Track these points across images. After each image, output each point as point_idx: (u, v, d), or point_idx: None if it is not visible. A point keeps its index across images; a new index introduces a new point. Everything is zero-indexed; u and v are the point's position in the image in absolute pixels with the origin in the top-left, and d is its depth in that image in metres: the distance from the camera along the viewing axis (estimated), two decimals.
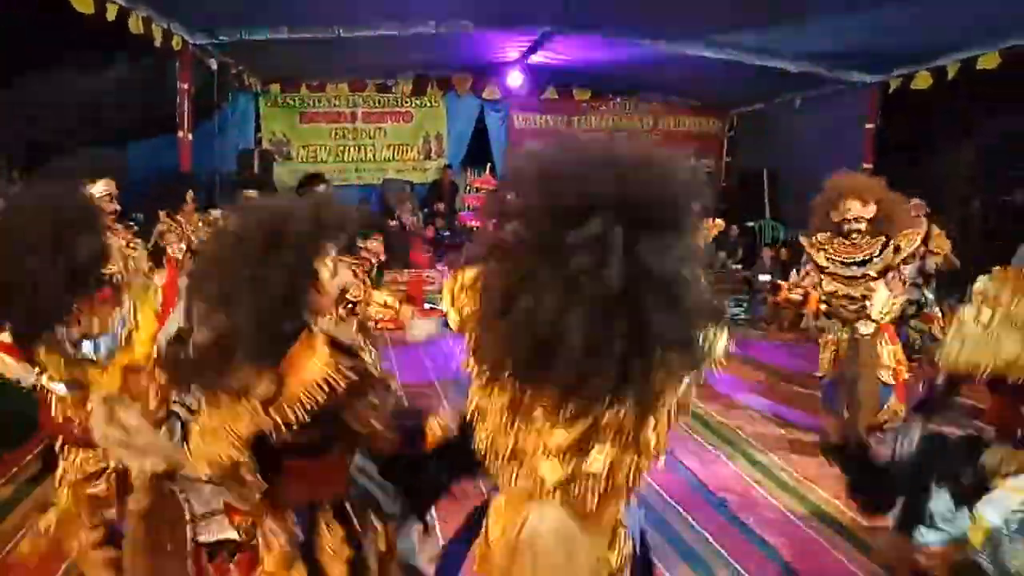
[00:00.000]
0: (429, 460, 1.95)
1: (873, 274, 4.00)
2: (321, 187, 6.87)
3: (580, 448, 1.42)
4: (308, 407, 1.60)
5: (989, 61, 6.45)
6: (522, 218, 1.32)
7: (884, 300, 3.94)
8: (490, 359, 1.41)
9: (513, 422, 1.47)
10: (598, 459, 1.42)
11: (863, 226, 3.99)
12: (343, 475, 1.87)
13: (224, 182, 9.01)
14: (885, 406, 3.96)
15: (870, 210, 3.97)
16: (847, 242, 4.05)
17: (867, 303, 3.97)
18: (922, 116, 7.87)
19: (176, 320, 2.43)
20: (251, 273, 1.60)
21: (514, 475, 1.52)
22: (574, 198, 1.24)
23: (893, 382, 3.99)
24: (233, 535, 1.79)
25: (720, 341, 1.41)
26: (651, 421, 1.41)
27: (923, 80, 7.27)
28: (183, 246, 5.28)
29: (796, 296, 4.19)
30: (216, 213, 6.02)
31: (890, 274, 4.01)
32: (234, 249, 1.65)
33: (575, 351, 1.23)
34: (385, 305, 3.97)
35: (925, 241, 4.05)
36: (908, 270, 4.35)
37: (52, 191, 2.36)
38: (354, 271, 4.64)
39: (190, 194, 5.63)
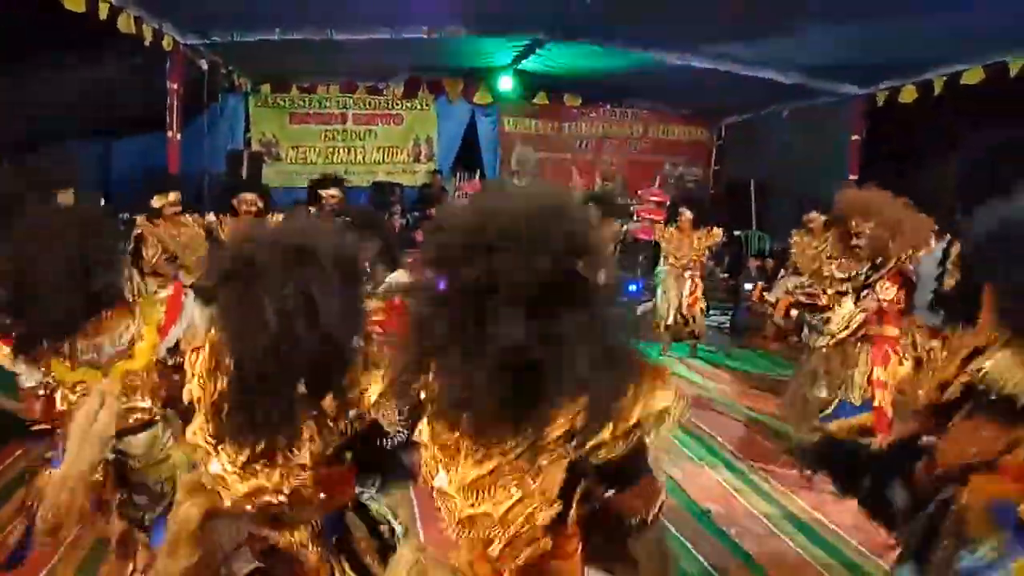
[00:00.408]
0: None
1: (844, 289, 4.04)
2: (334, 191, 6.79)
3: (483, 488, 1.45)
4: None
5: (973, 76, 6.55)
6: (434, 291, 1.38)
7: (843, 315, 3.95)
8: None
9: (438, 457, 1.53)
10: (497, 501, 1.43)
11: (863, 241, 3.99)
12: (354, 474, 1.91)
13: (213, 183, 8.98)
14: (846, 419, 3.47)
15: (869, 226, 3.97)
16: (847, 256, 4.09)
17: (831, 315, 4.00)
18: (907, 129, 7.95)
19: (177, 333, 2.54)
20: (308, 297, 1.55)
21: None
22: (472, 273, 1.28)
23: (859, 403, 3.86)
24: (257, 564, 1.83)
25: (670, 409, 1.42)
26: (543, 468, 1.41)
27: (909, 94, 7.37)
28: (158, 249, 5.22)
29: (771, 298, 4.24)
30: (211, 218, 5.93)
31: (866, 292, 4.00)
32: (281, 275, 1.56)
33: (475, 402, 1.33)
34: None
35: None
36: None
37: (73, 209, 2.47)
38: None
39: (171, 196, 5.39)
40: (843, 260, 4.10)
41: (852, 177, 8.36)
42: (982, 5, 5.00)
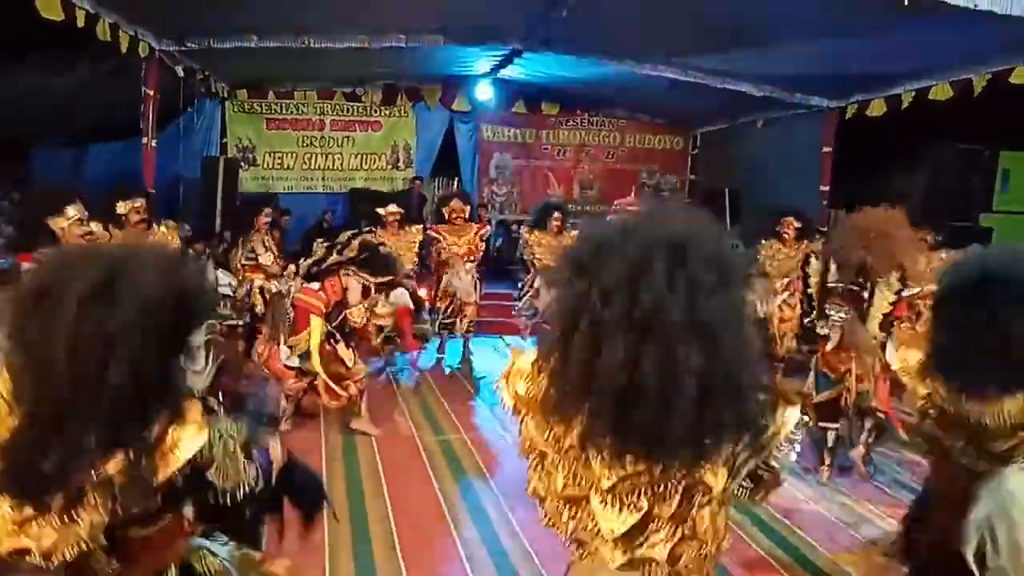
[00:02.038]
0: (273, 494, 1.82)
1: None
2: (392, 207, 6.83)
3: (638, 532, 1.41)
4: (175, 483, 1.47)
5: (941, 92, 6.72)
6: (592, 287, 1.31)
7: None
8: (567, 416, 1.38)
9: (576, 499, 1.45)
10: (658, 544, 1.40)
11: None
12: (183, 533, 1.68)
13: (188, 189, 8.93)
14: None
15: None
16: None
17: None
18: (877, 141, 8.14)
19: None
20: (108, 335, 1.33)
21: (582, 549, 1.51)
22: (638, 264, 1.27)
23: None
24: None
25: (790, 419, 1.43)
26: (704, 506, 1.40)
27: (878, 107, 7.54)
28: None
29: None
30: (169, 225, 5.69)
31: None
32: (79, 309, 1.34)
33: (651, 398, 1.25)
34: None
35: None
36: None
37: None
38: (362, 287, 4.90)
39: (137, 202, 5.09)
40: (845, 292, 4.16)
41: (823, 188, 8.54)
42: (949, 25, 5.14)
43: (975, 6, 4.59)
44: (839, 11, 5.47)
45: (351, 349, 5.01)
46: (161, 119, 7.77)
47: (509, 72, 9.36)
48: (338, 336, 4.94)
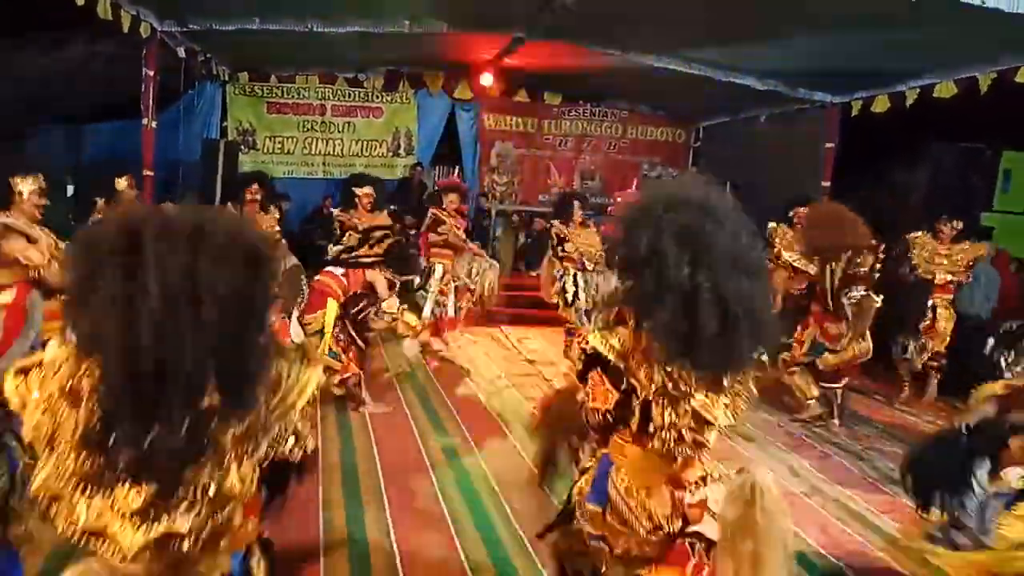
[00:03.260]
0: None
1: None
2: (367, 188, 6.75)
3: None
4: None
5: (945, 90, 6.69)
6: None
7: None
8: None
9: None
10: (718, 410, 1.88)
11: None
12: (260, 507, 1.68)
13: (188, 171, 8.90)
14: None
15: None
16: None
17: None
18: (880, 138, 8.12)
19: (22, 348, 2.15)
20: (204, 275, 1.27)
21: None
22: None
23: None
24: None
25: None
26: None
27: (882, 104, 7.51)
28: None
29: None
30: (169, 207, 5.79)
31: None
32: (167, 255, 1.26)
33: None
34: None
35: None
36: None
37: None
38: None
39: (125, 180, 5.22)
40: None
41: (825, 183, 8.51)
42: (956, 22, 5.11)
43: (983, 3, 4.56)
44: (845, 6, 5.44)
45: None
46: (162, 101, 7.73)
47: (512, 61, 9.30)
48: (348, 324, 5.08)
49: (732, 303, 1.71)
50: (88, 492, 1.31)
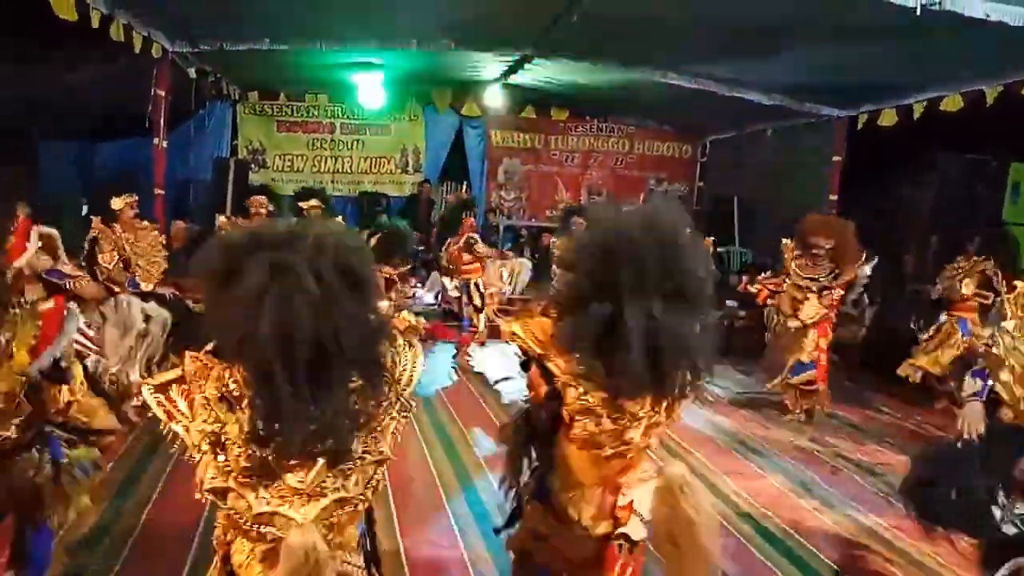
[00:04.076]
0: None
1: (814, 288, 5.55)
2: (314, 201, 6.92)
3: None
4: None
5: (952, 103, 6.69)
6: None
7: (812, 309, 5.54)
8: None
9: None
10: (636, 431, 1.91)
11: (822, 252, 5.51)
12: None
13: (198, 190, 8.99)
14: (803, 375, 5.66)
15: (830, 242, 5.48)
16: (810, 262, 5.58)
17: (801, 306, 5.57)
18: (887, 152, 8.11)
19: (54, 353, 2.31)
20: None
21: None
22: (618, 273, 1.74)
23: (811, 361, 5.62)
24: None
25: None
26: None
27: (889, 117, 7.51)
28: (115, 255, 5.03)
29: (753, 288, 5.87)
30: (222, 219, 5.94)
31: (825, 292, 5.53)
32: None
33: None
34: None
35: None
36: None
37: None
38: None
39: (130, 198, 5.24)
40: (807, 264, 5.61)
41: (833, 197, 8.51)
42: (962, 35, 5.13)
43: (988, 17, 4.58)
44: (850, 20, 5.47)
45: None
46: (173, 120, 7.82)
47: (519, 77, 9.36)
48: None
49: (663, 339, 1.71)
50: (258, 482, 1.47)
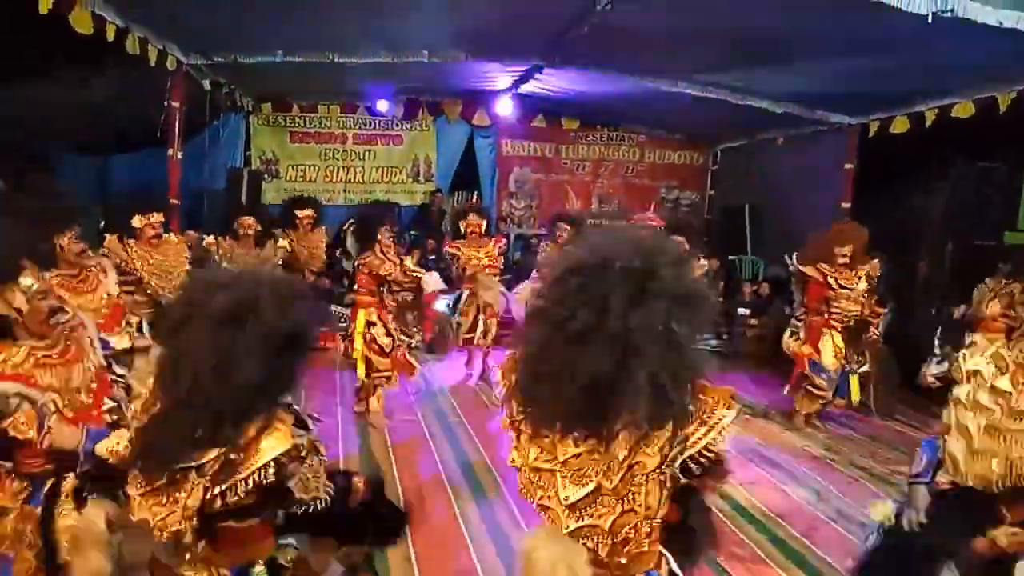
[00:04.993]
0: (350, 517, 2.12)
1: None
2: (308, 211, 7.00)
3: (586, 507, 1.66)
4: (261, 482, 1.72)
5: (964, 110, 6.67)
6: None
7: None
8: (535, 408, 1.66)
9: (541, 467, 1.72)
10: (604, 514, 1.64)
11: (847, 260, 5.71)
12: (272, 534, 1.95)
13: (212, 201, 9.05)
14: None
15: (849, 249, 5.70)
16: (850, 271, 5.76)
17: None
18: (899, 159, 8.07)
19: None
20: (227, 357, 1.65)
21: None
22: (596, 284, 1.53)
23: (835, 369, 5.79)
24: None
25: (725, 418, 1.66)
26: (640, 481, 1.63)
27: (901, 124, 7.49)
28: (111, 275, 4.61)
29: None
30: (209, 239, 5.99)
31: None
32: (209, 331, 1.67)
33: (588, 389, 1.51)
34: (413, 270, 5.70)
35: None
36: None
37: None
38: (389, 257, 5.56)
39: (153, 217, 5.18)
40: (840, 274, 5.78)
41: (845, 205, 8.48)
42: (974, 42, 5.11)
43: (1001, 23, 4.57)
44: (861, 28, 5.46)
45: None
46: (187, 131, 7.90)
47: (529, 87, 9.41)
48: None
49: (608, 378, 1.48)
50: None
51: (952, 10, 4.51)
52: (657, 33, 6.38)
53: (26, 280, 2.50)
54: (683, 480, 1.66)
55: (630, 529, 1.63)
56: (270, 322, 1.68)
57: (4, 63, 6.20)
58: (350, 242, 5.69)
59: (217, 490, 1.70)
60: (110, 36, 5.50)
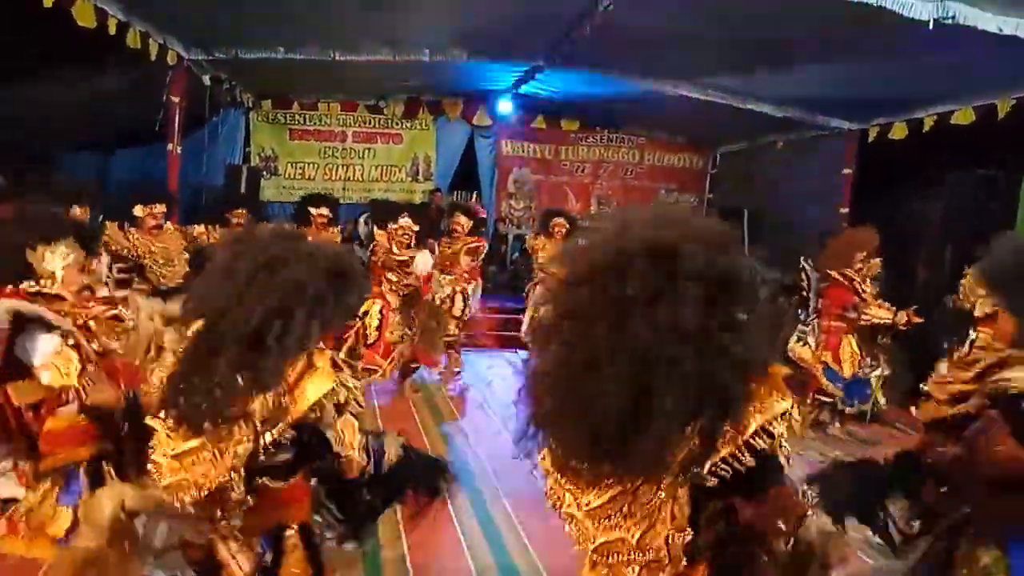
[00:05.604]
0: (379, 482, 2.06)
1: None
2: (323, 209, 6.94)
3: (612, 515, 1.43)
4: (303, 424, 1.72)
5: (964, 117, 6.68)
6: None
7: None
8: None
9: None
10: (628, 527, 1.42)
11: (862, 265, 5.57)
12: (308, 498, 1.93)
13: (211, 196, 9.04)
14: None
15: (863, 253, 5.56)
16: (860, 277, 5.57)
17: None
18: (898, 165, 8.09)
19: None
20: (274, 304, 1.64)
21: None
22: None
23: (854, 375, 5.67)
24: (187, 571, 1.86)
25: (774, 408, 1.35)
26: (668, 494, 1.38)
27: (900, 131, 7.50)
28: (104, 260, 4.75)
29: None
30: (199, 229, 5.98)
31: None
32: (249, 279, 1.68)
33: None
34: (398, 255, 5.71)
35: None
36: None
37: None
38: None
39: (156, 208, 5.24)
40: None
41: (844, 209, 8.49)
42: (974, 49, 5.12)
43: (1001, 30, 4.57)
44: (862, 34, 5.47)
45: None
46: (187, 127, 7.89)
47: (530, 88, 9.42)
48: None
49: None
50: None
51: (953, 17, 4.52)
52: (658, 35, 6.38)
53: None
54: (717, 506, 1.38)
55: (661, 544, 1.38)
56: (322, 257, 1.72)
57: (6, 59, 6.20)
58: (363, 229, 5.72)
59: (268, 437, 1.68)
60: (112, 30, 5.50)
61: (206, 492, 1.66)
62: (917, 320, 5.51)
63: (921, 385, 2.48)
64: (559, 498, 1.51)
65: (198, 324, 1.74)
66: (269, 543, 1.87)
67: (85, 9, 4.98)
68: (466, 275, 6.75)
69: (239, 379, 1.63)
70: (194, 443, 1.65)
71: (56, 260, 2.48)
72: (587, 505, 1.43)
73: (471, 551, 3.65)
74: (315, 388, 1.73)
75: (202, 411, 1.62)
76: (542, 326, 1.41)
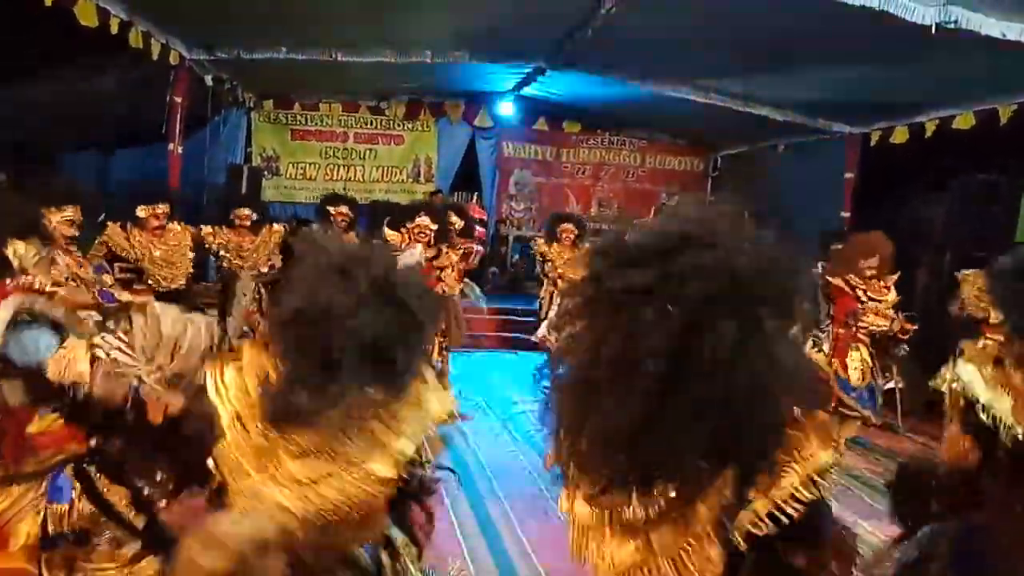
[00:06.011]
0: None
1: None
2: (343, 208, 6.88)
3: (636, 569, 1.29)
4: None
5: (965, 121, 6.68)
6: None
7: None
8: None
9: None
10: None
11: (874, 272, 5.30)
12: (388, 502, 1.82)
13: (212, 196, 9.05)
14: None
15: (875, 260, 5.29)
16: (877, 283, 5.34)
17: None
18: (900, 169, 8.09)
19: None
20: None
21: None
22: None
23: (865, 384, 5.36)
24: None
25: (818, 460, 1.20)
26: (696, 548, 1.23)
27: (901, 135, 7.50)
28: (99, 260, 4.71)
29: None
30: (206, 229, 5.95)
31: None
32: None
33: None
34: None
35: None
36: None
37: None
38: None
39: (159, 208, 5.17)
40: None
41: (845, 213, 8.49)
42: (976, 54, 5.12)
43: (1004, 35, 4.57)
44: (864, 37, 5.47)
45: None
46: (189, 127, 7.89)
47: (532, 90, 9.42)
48: None
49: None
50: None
51: (955, 21, 4.52)
52: (660, 38, 6.38)
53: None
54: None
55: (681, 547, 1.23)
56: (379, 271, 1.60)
57: (6, 59, 6.20)
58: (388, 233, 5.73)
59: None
60: (114, 30, 5.50)
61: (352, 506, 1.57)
62: (910, 327, 5.35)
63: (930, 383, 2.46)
64: (580, 547, 1.38)
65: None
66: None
67: (87, 8, 4.98)
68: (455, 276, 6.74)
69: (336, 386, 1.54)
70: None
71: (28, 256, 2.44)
72: (612, 558, 1.30)
73: (470, 552, 3.65)
74: (435, 403, 1.77)
75: (297, 415, 1.54)
76: (570, 336, 1.25)
